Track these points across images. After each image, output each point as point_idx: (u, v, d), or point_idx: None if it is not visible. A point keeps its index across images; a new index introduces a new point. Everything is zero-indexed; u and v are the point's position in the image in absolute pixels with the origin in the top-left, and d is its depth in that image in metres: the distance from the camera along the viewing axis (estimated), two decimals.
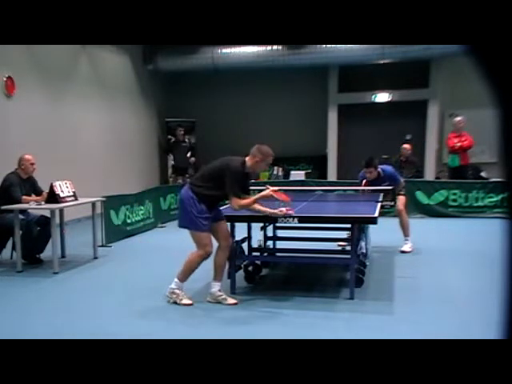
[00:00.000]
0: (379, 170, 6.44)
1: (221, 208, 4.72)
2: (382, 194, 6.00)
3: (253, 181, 11.58)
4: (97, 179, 9.89)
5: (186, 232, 4.51)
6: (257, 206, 4.41)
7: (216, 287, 4.56)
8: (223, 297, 4.55)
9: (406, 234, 6.59)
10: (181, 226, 4.53)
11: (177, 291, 4.54)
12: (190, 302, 4.53)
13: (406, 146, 10.06)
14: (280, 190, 4.71)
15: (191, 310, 4.44)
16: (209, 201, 4.45)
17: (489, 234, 5.33)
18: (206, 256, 4.46)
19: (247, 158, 4.51)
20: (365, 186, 6.48)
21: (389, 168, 6.64)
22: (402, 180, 6.74)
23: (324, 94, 12.82)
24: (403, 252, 6.47)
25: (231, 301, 4.55)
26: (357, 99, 12.58)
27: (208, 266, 4.56)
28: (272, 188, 4.53)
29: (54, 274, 5.71)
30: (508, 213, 0.85)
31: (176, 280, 4.55)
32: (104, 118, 10.75)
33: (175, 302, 4.53)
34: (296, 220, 4.50)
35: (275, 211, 4.41)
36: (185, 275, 4.53)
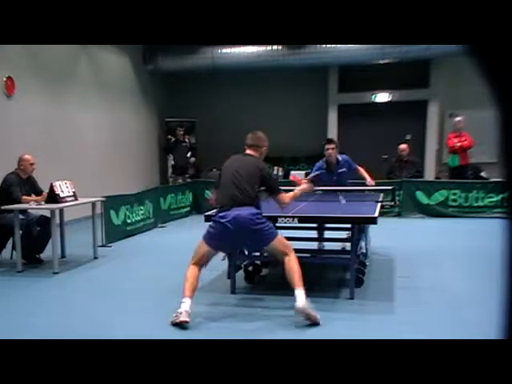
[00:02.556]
0: (338, 156, 6.46)
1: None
2: (382, 194, 6.00)
3: None
4: (97, 179, 9.89)
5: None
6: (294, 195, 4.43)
7: (188, 304, 3.98)
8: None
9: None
10: (264, 244, 4.11)
11: None
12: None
13: (402, 146, 9.88)
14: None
15: None
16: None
17: (489, 234, 5.33)
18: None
19: (255, 153, 4.28)
20: (313, 177, 6.53)
21: (344, 155, 6.62)
22: (356, 165, 6.60)
23: (324, 93, 12.82)
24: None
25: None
26: (357, 99, 12.59)
27: (209, 271, 4.54)
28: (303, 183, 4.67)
29: (54, 273, 5.71)
30: (508, 213, 0.85)
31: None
32: (104, 118, 10.75)
33: None
34: (296, 220, 4.50)
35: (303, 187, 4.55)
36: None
